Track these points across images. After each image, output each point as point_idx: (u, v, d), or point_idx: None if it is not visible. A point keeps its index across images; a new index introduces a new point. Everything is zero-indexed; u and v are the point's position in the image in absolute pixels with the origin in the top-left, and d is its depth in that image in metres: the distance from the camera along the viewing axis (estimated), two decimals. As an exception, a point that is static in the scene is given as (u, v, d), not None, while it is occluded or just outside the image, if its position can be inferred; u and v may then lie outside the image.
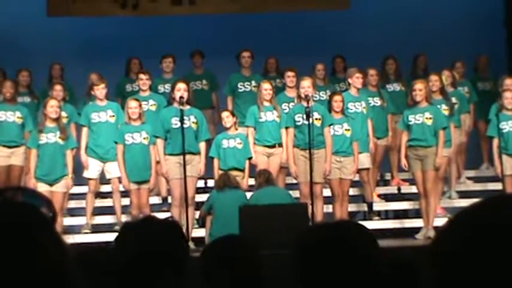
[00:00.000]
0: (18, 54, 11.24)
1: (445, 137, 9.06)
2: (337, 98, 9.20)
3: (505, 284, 1.07)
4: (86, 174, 9.45)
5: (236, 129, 9.26)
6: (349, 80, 9.72)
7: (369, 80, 10.02)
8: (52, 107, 8.87)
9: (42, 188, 8.70)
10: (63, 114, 9.34)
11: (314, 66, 10.45)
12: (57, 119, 8.91)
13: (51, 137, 8.84)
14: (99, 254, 2.42)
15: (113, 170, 9.29)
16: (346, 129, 9.11)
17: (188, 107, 8.92)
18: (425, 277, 1.16)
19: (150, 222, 2.11)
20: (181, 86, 8.97)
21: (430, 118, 8.99)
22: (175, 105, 8.86)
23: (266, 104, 9.30)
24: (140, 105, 9.16)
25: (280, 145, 9.21)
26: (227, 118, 9.22)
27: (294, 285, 1.93)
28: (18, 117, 9.52)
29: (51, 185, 8.81)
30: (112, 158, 9.24)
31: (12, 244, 1.15)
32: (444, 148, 9.09)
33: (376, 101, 9.95)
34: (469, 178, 10.81)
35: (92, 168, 9.40)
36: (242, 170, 9.04)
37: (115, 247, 2.11)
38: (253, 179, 9.03)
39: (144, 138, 9.06)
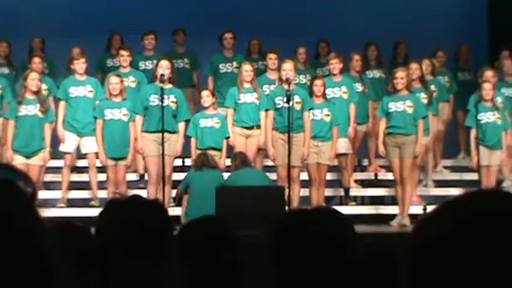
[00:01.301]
0: (0, 26, 11.11)
1: (424, 125, 9.11)
2: (317, 82, 9.21)
3: (484, 276, 1.08)
4: (62, 147, 9.40)
5: (215, 109, 9.24)
6: (328, 66, 9.78)
7: (352, 65, 10.02)
8: (33, 79, 8.81)
9: (19, 160, 8.65)
10: (43, 86, 9.28)
11: (296, 49, 10.43)
12: (37, 92, 8.85)
13: (30, 109, 8.79)
14: (80, 234, 2.41)
15: (89, 144, 9.25)
16: (325, 114, 9.13)
17: (170, 85, 8.89)
18: (404, 268, 1.17)
19: (136, 202, 2.10)
20: (163, 64, 8.94)
21: (411, 106, 9.02)
22: (157, 82, 8.83)
23: (246, 85, 9.29)
24: (122, 81, 9.12)
25: (259, 127, 9.21)
26: (207, 97, 9.19)
27: (269, 268, 1.94)
28: (-4, 88, 9.44)
29: (28, 157, 8.76)
30: (89, 132, 9.20)
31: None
32: (422, 136, 9.14)
33: (358, 87, 9.95)
34: (445, 167, 10.87)
35: (68, 142, 9.35)
36: (219, 150, 9.03)
37: (98, 225, 2.11)
38: (230, 160, 9.03)
39: (124, 115, 9.02)
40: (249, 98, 9.28)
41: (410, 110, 9.01)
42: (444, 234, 1.11)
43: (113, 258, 2.02)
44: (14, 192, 1.22)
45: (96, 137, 9.05)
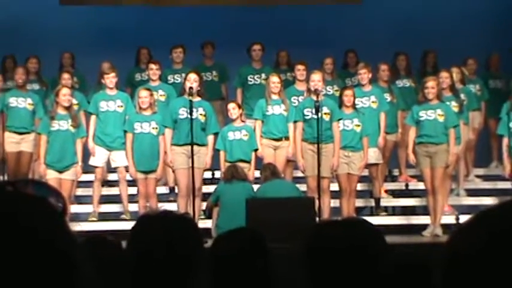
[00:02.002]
0: (30, 42, 11.25)
1: (455, 134, 9.04)
2: (347, 92, 9.19)
3: None
4: (92, 162, 9.47)
5: (243, 121, 9.25)
6: (357, 76, 9.78)
7: (379, 75, 9.98)
8: (65, 95, 8.89)
9: (51, 175, 8.73)
10: (74, 101, 9.35)
11: (322, 60, 10.41)
12: (69, 107, 8.93)
13: (63, 124, 8.86)
14: (112, 248, 2.42)
15: (119, 158, 9.31)
16: (356, 125, 9.10)
17: (198, 98, 8.92)
18: (437, 279, 1.15)
19: (167, 217, 2.10)
20: (191, 77, 8.97)
21: (442, 115, 8.95)
22: (186, 95, 8.87)
23: (274, 97, 9.29)
24: (151, 95, 9.18)
25: (287, 138, 9.20)
26: (233, 110, 9.21)
27: (300, 280, 1.93)
28: (29, 104, 9.55)
29: (60, 172, 8.83)
30: (118, 146, 9.26)
31: (17, 237, 1.14)
32: (454, 145, 9.06)
33: (386, 97, 9.91)
34: (478, 176, 10.77)
35: (98, 156, 9.42)
36: (248, 162, 9.04)
37: (130, 240, 2.11)
38: (258, 172, 9.03)
39: (153, 128, 9.07)
40: (277, 109, 9.28)
41: (441, 119, 8.94)
42: (479, 245, 1.09)
43: (144, 273, 2.02)
44: (45, 207, 1.23)
45: (126, 151, 9.11)
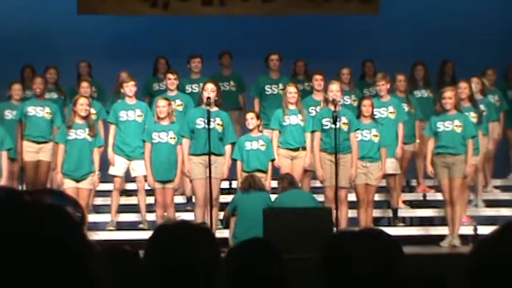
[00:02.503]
0: (48, 51, 11.32)
1: (473, 145, 8.99)
2: (366, 102, 9.17)
3: None
4: (112, 171, 9.51)
5: (260, 132, 9.26)
6: (375, 86, 9.77)
7: (396, 86, 9.96)
8: (82, 104, 8.94)
9: (69, 184, 8.77)
10: (92, 111, 9.40)
11: (339, 70, 10.40)
12: (86, 117, 8.97)
13: (80, 134, 8.91)
14: (129, 257, 2.42)
15: (138, 168, 9.34)
16: (374, 135, 9.08)
17: (216, 108, 8.93)
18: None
19: (185, 227, 2.11)
20: (208, 87, 9.00)
21: (460, 126, 8.91)
22: (203, 105, 8.89)
23: (291, 107, 9.30)
24: (169, 104, 9.20)
25: (304, 148, 9.19)
26: (251, 120, 9.22)
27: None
28: (47, 113, 9.61)
29: (77, 181, 8.87)
30: (138, 156, 9.29)
31: (36, 246, 1.15)
32: (472, 156, 9.02)
33: (404, 107, 9.88)
34: (496, 187, 10.71)
35: (118, 165, 9.46)
36: (265, 172, 9.04)
37: (147, 250, 2.12)
38: (275, 182, 9.02)
39: (171, 138, 9.09)
40: (293, 119, 9.28)
41: (459, 130, 8.90)
42: (506, 257, 1.08)
43: (161, 283, 2.03)
44: (64, 217, 1.24)
45: (145, 161, 9.14)
